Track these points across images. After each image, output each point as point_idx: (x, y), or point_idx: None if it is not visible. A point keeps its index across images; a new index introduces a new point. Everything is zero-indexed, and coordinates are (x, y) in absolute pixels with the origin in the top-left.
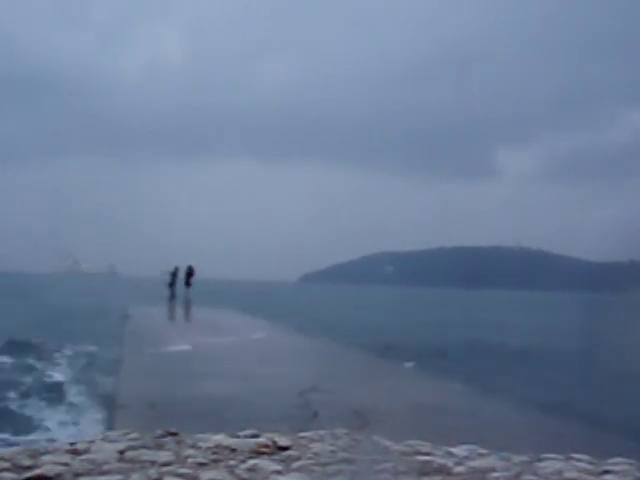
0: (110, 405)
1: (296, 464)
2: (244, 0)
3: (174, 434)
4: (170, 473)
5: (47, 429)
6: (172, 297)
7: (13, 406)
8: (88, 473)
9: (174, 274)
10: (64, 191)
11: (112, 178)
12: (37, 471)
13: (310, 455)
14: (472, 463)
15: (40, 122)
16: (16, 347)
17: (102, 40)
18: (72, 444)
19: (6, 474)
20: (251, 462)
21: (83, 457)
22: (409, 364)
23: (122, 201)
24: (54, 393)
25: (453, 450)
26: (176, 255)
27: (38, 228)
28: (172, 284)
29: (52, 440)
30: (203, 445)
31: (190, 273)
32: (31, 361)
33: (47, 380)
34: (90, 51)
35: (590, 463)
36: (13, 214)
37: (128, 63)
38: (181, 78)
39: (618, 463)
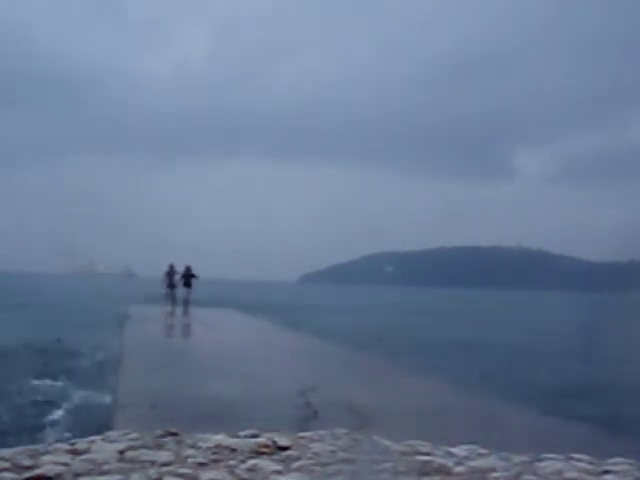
0: None
1: (296, 464)
2: (268, 4)
3: (174, 434)
4: (170, 473)
5: None
6: (172, 300)
7: None
8: (88, 473)
9: (170, 274)
10: (80, 192)
11: (126, 178)
12: (37, 471)
13: (310, 455)
14: (472, 463)
15: (52, 123)
16: None
17: (129, 41)
18: (72, 444)
19: (6, 474)
20: (251, 462)
21: (83, 457)
22: None
23: (137, 202)
24: None
25: (453, 450)
26: (179, 255)
27: (55, 229)
28: (171, 285)
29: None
30: (203, 445)
31: (190, 274)
32: None
33: None
34: (115, 51)
35: (590, 463)
36: (29, 215)
37: (153, 64)
38: (203, 79)
39: (618, 463)
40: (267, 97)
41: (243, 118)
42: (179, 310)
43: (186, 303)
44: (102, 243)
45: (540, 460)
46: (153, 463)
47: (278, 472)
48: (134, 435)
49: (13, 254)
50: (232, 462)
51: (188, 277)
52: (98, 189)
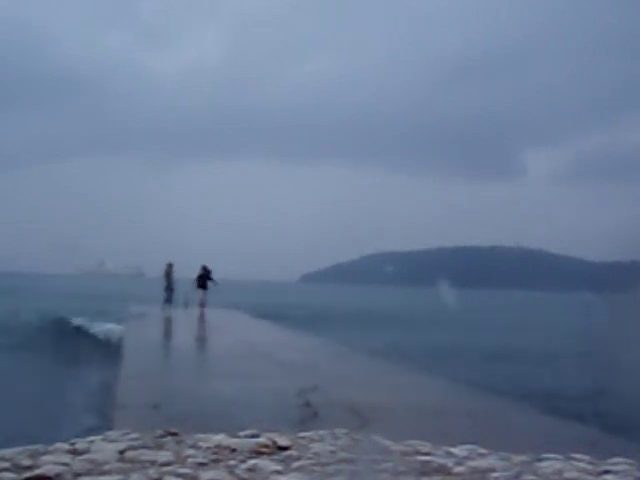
0: None
1: (296, 464)
2: (281, 5)
3: (174, 434)
4: (170, 473)
5: None
6: (168, 301)
7: None
8: (88, 473)
9: (168, 274)
10: (88, 192)
11: (134, 179)
12: (37, 471)
13: (310, 455)
14: (472, 463)
15: (59, 123)
16: None
17: (143, 41)
18: (72, 444)
19: (6, 474)
20: (251, 462)
21: (83, 457)
22: None
23: (146, 202)
24: None
25: (453, 450)
26: (185, 255)
27: (64, 230)
28: (169, 287)
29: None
30: (203, 445)
31: (206, 274)
32: None
33: None
34: (128, 52)
35: (590, 463)
36: (37, 215)
37: (164, 64)
38: (214, 80)
39: (618, 463)
40: (275, 97)
41: (251, 118)
42: (176, 313)
43: (201, 307)
44: (112, 243)
45: (540, 460)
46: (153, 463)
47: (278, 472)
48: (134, 435)
49: (21, 255)
50: (232, 462)
51: (204, 278)
52: (107, 189)
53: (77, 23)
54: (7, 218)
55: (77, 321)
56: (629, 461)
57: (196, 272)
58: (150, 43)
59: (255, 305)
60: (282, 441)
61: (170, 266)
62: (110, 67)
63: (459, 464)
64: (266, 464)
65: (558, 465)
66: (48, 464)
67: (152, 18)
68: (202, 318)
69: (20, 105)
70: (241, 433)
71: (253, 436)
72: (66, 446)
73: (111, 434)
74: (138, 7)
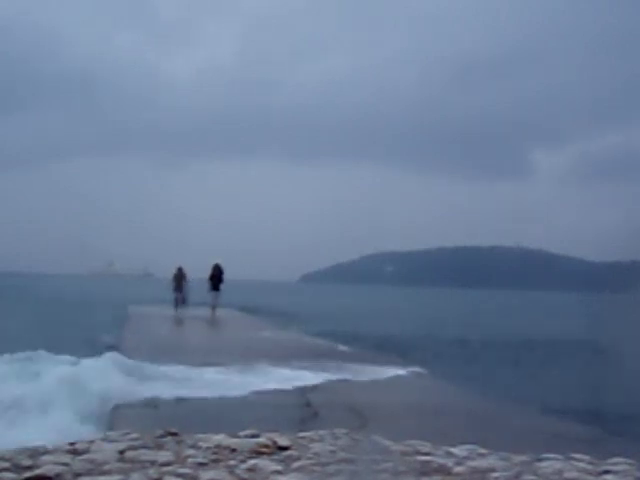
0: None
1: (296, 464)
2: (284, 4)
3: (174, 434)
4: (170, 473)
5: None
6: (177, 304)
7: None
8: (88, 473)
9: (178, 276)
10: (95, 193)
11: (141, 179)
12: (37, 471)
13: (310, 455)
14: (472, 463)
15: (67, 124)
16: None
17: (156, 42)
18: (72, 444)
19: (6, 474)
20: (251, 462)
21: (83, 457)
22: None
23: (153, 202)
24: None
25: (453, 450)
26: (190, 255)
27: (72, 231)
28: (178, 288)
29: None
30: (203, 445)
31: (219, 274)
32: None
33: None
34: (141, 53)
35: (590, 463)
36: (46, 216)
37: (177, 65)
38: (225, 80)
39: (618, 463)
40: (275, 98)
41: (251, 118)
42: (181, 312)
43: (213, 309)
44: (119, 244)
45: (540, 460)
46: (153, 463)
47: (278, 472)
48: (134, 435)
49: (21, 255)
50: (232, 462)
51: (217, 278)
52: (114, 190)
53: (86, 23)
54: (7, 218)
55: None
56: (629, 461)
57: (199, 272)
58: (159, 43)
59: (291, 316)
60: (282, 441)
61: (180, 270)
62: (120, 67)
63: (459, 464)
64: (266, 464)
65: (558, 465)
66: (48, 464)
67: (161, 19)
68: (214, 323)
69: (30, 107)
70: (241, 433)
71: (253, 436)
72: (66, 446)
73: (111, 434)
74: (148, 8)
